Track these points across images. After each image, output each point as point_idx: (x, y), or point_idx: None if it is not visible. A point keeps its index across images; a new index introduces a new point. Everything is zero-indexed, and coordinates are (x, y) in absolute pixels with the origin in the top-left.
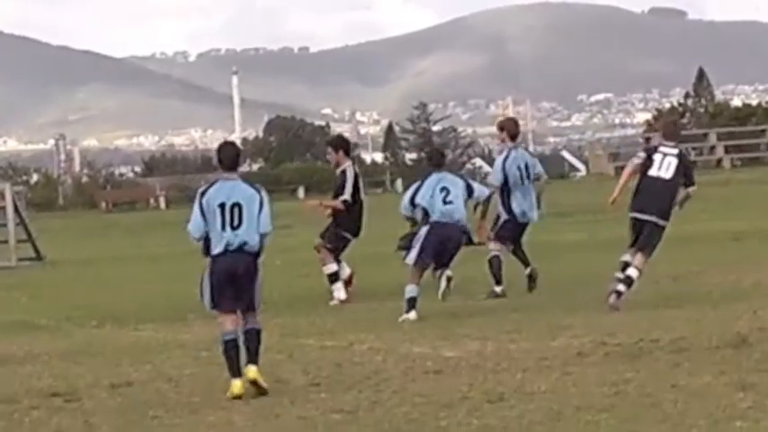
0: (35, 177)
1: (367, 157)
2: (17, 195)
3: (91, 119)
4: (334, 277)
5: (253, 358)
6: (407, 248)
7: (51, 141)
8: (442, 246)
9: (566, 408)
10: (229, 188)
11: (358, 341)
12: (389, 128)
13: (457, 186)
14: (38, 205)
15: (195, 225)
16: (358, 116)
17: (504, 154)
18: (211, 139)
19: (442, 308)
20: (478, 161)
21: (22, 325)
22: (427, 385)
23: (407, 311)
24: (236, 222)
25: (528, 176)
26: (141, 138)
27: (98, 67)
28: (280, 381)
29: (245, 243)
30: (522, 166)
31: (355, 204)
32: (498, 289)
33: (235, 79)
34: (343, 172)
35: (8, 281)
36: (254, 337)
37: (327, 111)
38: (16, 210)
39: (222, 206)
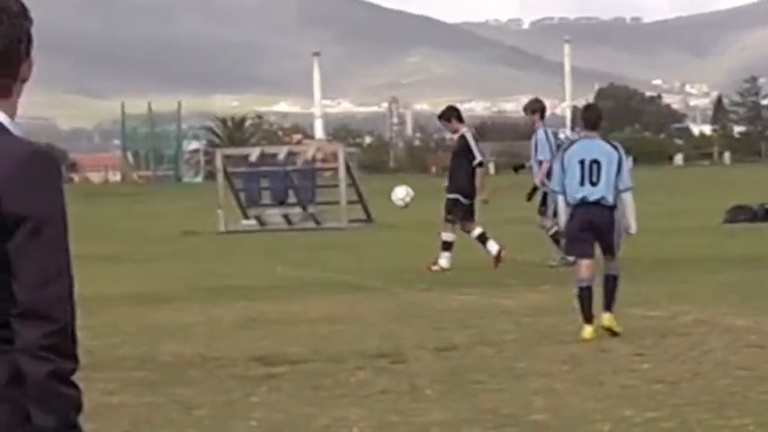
0: (367, 139)
1: (695, 128)
2: (350, 157)
3: (423, 83)
4: (447, 245)
5: (608, 304)
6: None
7: (384, 104)
8: None
9: None
10: (589, 145)
11: (682, 312)
12: (719, 100)
13: None
14: (369, 167)
15: (556, 179)
16: (687, 88)
17: None
18: None
19: (765, 281)
20: None
21: (351, 286)
22: (749, 359)
23: None
24: (594, 178)
25: None
26: (473, 103)
27: (432, 31)
28: (603, 350)
29: (602, 198)
30: None
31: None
32: None
33: (566, 48)
34: (462, 136)
35: (338, 241)
36: (611, 282)
37: (657, 82)
38: (348, 171)
39: (582, 162)
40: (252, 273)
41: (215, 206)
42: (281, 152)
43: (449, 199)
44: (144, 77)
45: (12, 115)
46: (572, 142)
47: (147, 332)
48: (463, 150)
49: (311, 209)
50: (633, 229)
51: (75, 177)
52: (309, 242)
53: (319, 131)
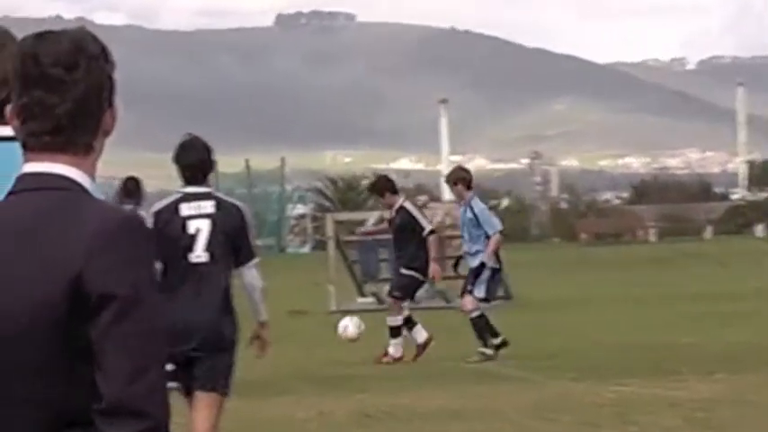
0: (505, 202)
1: None
2: None
3: (571, 134)
4: (396, 331)
5: None
6: None
7: (525, 160)
8: None
9: None
10: None
11: None
12: None
13: None
14: (507, 234)
15: None
16: None
17: None
18: (711, 162)
19: None
20: None
21: (486, 375)
22: None
23: None
24: None
25: None
26: (629, 158)
27: (580, 74)
28: None
29: None
30: None
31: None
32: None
33: (740, 91)
34: (402, 209)
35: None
36: None
37: None
38: None
39: None
40: (369, 360)
41: (325, 281)
42: None
43: (403, 274)
44: (241, 130)
45: (92, 175)
46: None
47: (251, 429)
48: (408, 224)
49: (439, 284)
50: None
51: None
52: (437, 323)
53: (448, 193)
